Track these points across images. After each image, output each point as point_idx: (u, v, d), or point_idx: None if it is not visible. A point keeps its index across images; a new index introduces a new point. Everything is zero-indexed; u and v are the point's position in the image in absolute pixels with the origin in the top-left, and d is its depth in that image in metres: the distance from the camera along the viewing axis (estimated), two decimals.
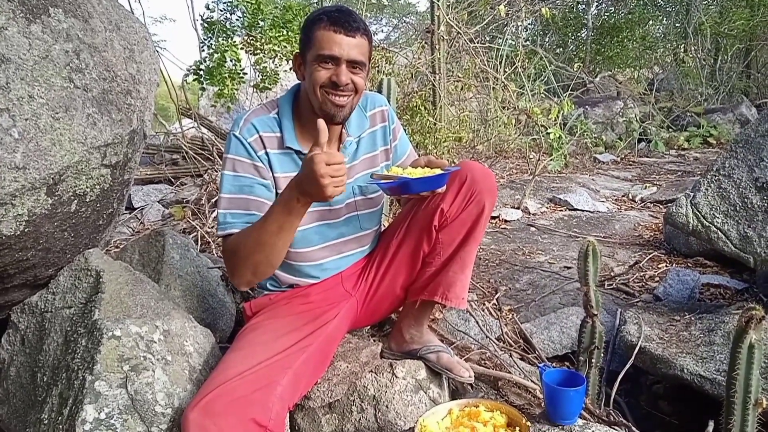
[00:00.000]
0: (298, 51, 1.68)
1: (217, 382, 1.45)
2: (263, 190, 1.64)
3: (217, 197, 1.72)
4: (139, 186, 4.45)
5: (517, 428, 1.48)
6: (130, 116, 1.88)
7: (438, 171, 1.60)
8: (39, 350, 1.78)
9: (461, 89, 4.88)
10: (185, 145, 4.79)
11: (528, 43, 7.44)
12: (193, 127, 5.09)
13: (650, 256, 3.39)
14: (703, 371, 1.93)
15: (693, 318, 2.31)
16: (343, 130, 1.78)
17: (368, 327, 2.26)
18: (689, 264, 3.26)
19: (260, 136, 1.65)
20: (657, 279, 3.10)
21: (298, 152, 1.69)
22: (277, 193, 1.67)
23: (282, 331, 1.66)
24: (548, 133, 4.52)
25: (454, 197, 1.73)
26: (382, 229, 2.06)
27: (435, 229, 1.77)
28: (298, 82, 1.76)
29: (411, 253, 1.84)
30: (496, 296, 2.88)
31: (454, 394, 1.97)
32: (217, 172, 4.38)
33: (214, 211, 3.45)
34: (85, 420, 1.43)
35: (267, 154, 1.65)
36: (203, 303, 2.20)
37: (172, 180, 4.63)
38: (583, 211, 4.46)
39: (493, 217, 4.30)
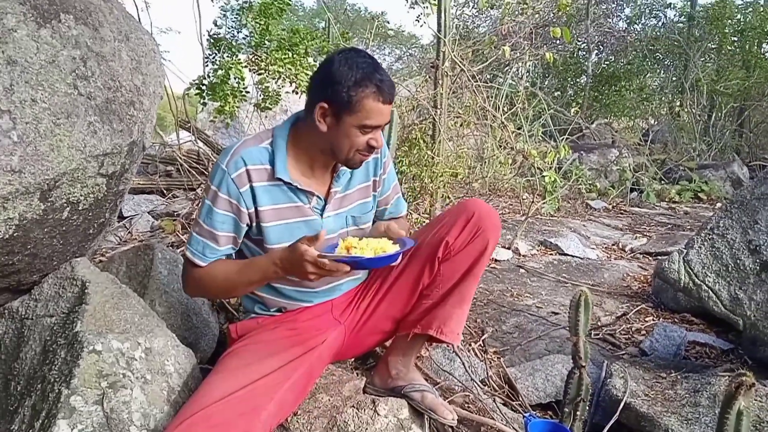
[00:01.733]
0: (325, 100, 1.61)
1: (199, 405, 1.42)
2: (234, 227, 1.68)
3: (195, 217, 1.73)
4: (130, 195, 4.40)
5: None
6: (132, 127, 1.87)
7: (390, 247, 1.58)
8: (15, 357, 1.73)
9: (460, 125, 4.91)
10: (180, 158, 4.75)
11: (528, 84, 7.54)
12: (190, 141, 5.07)
13: (638, 308, 3.38)
14: None
15: (679, 377, 2.30)
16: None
17: (352, 359, 2.23)
18: (676, 320, 3.25)
19: (247, 170, 1.64)
20: (644, 332, 3.08)
21: (288, 184, 1.68)
22: (258, 225, 1.69)
23: (266, 354, 1.63)
24: (543, 176, 4.54)
25: (460, 231, 1.75)
26: None
27: (438, 261, 1.78)
28: (297, 112, 1.76)
29: (411, 283, 1.83)
30: (483, 337, 2.85)
31: None
32: None
33: None
34: None
35: (252, 188, 1.65)
36: (187, 321, 2.16)
37: (165, 192, 4.58)
38: (573, 256, 4.46)
39: None
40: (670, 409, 2.05)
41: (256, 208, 1.67)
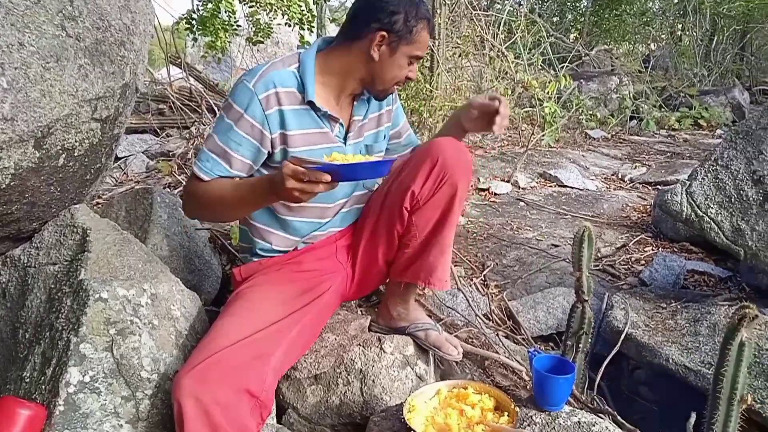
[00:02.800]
0: (384, 29, 1.61)
1: (211, 349, 1.43)
2: (252, 152, 1.63)
3: (208, 132, 1.70)
4: (124, 135, 4.33)
5: (506, 413, 1.48)
6: (123, 69, 1.80)
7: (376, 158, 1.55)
8: (21, 306, 1.73)
9: (459, 56, 4.79)
10: (172, 95, 4.66)
11: (527, 11, 7.31)
12: (181, 77, 4.96)
13: (637, 238, 3.40)
14: (689, 362, 1.95)
15: (679, 306, 2.33)
16: None
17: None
18: (675, 249, 3.27)
19: (276, 92, 1.61)
20: (643, 262, 3.11)
21: (317, 109, 1.66)
22: (284, 150, 1.65)
23: (276, 299, 1.64)
24: (543, 107, 4.46)
25: (425, 179, 1.68)
26: None
27: (407, 211, 1.74)
28: (320, 38, 1.76)
29: (386, 233, 1.81)
30: (484, 272, 2.88)
31: (441, 372, 1.97)
32: (204, 125, 4.28)
33: None
34: (69, 382, 1.41)
35: (281, 111, 1.62)
36: (189, 264, 2.17)
37: (158, 131, 4.51)
38: (572, 188, 4.45)
39: (483, 190, 4.28)
40: (671, 338, 2.09)
41: (283, 133, 1.63)
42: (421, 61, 1.82)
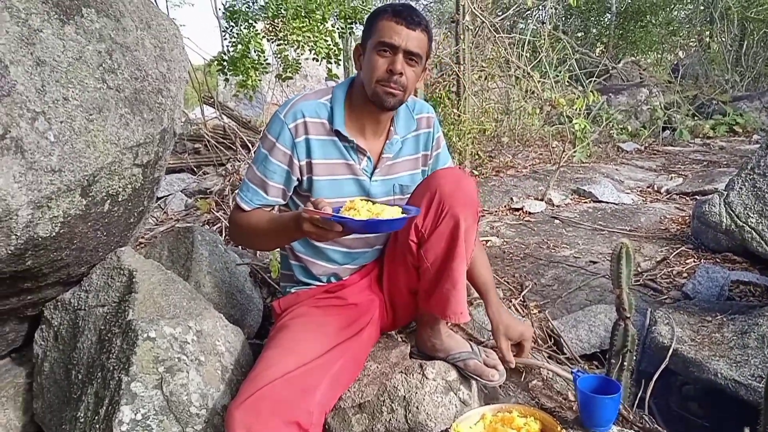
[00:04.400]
0: (359, 42, 1.74)
1: (260, 382, 1.46)
2: (284, 179, 1.73)
3: (249, 164, 1.78)
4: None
5: None
6: (161, 115, 1.88)
7: (397, 213, 1.51)
8: (73, 347, 1.80)
9: (485, 79, 4.82)
10: (207, 134, 4.79)
11: (551, 28, 7.33)
12: (215, 116, 5.09)
13: (678, 251, 3.34)
14: (738, 376, 1.91)
15: (725, 319, 2.28)
16: (392, 127, 1.79)
17: None
18: (718, 260, 3.20)
19: (305, 122, 1.69)
20: (685, 275, 3.06)
21: (344, 138, 1.72)
22: (309, 179, 1.73)
23: (318, 333, 1.66)
24: (573, 124, 4.45)
25: (426, 212, 1.67)
26: None
27: (414, 244, 1.73)
28: (354, 74, 1.80)
29: (402, 265, 1.82)
30: (523, 293, 2.86)
31: (484, 395, 1.96)
32: (239, 161, 4.38)
33: None
34: (122, 421, 1.45)
35: (308, 140, 1.70)
36: (231, 299, 2.21)
37: (195, 169, 4.64)
38: (607, 203, 4.40)
39: (517, 209, 4.27)
40: (718, 352, 2.05)
41: (309, 161, 1.71)
42: (427, 66, 1.81)
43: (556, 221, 4.05)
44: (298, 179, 1.74)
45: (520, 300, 2.78)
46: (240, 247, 2.71)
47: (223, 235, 3.14)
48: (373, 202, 1.61)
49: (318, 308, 1.77)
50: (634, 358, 1.95)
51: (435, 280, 1.75)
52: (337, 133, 1.71)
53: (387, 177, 1.82)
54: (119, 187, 1.79)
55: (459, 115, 4.10)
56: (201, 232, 2.29)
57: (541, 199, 4.40)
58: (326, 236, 1.46)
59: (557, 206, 4.37)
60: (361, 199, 1.53)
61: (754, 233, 2.26)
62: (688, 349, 2.08)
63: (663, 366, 2.07)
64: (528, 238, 3.74)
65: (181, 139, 4.93)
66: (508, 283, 3.01)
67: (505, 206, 4.35)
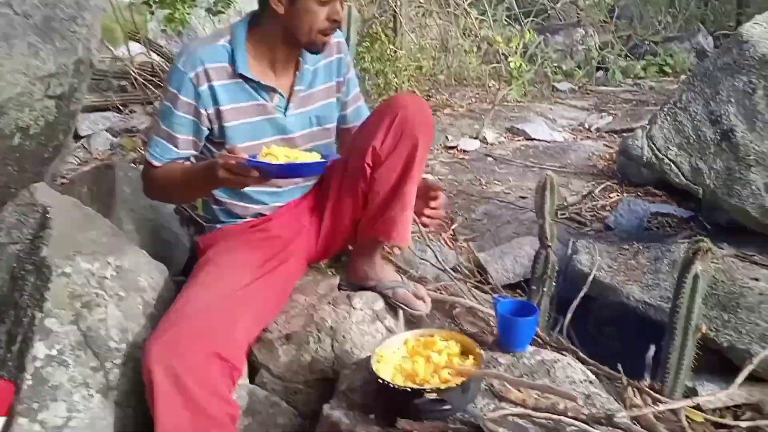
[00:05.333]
0: None
1: (179, 316, 1.45)
2: (193, 130, 1.66)
3: (154, 119, 1.72)
4: (86, 114, 4.24)
5: (471, 356, 1.52)
6: (76, 45, 1.79)
7: (317, 158, 1.53)
8: None
9: (422, 15, 4.75)
10: (134, 71, 4.57)
11: None
12: (142, 53, 4.86)
13: (603, 185, 3.47)
14: (648, 298, 2.02)
15: (641, 247, 2.39)
16: (300, 58, 1.73)
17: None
18: (640, 193, 3.34)
19: (205, 69, 1.62)
20: (609, 208, 3.18)
21: (250, 80, 1.65)
22: (221, 126, 1.66)
23: (243, 266, 1.65)
24: (509, 62, 4.47)
25: (386, 134, 1.68)
26: None
27: (369, 167, 1.73)
28: (252, 11, 1.70)
29: (352, 191, 1.81)
30: (453, 227, 2.92)
31: (410, 324, 2.01)
32: None
33: None
34: (36, 356, 1.42)
35: (211, 87, 1.63)
36: (157, 237, 2.17)
37: (121, 108, 4.44)
38: (540, 141, 4.49)
39: (451, 148, 4.31)
40: (632, 277, 2.16)
41: (217, 108, 1.65)
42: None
43: (490, 159, 4.11)
44: (208, 128, 1.68)
45: (450, 234, 2.83)
46: None
47: None
48: (291, 147, 1.62)
49: (242, 242, 1.75)
50: (554, 284, 2.03)
51: (385, 204, 1.76)
52: (242, 76, 1.65)
53: (302, 110, 1.78)
54: (30, 119, 1.71)
55: (395, 52, 4.05)
56: (123, 168, 2.22)
57: (476, 138, 4.44)
58: (244, 183, 1.45)
59: (491, 144, 4.43)
60: (283, 147, 1.53)
61: (672, 165, 2.36)
62: (605, 275, 2.19)
63: (582, 292, 2.17)
64: (461, 175, 3.79)
65: (106, 76, 4.70)
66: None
67: (440, 144, 4.37)
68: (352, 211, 1.86)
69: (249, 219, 1.84)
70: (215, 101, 1.64)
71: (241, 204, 1.81)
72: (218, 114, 1.66)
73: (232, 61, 1.64)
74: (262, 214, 1.84)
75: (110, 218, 2.06)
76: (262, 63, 1.68)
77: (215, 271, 1.64)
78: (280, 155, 1.49)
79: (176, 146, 1.67)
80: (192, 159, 1.75)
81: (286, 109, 1.74)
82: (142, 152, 3.36)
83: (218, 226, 1.84)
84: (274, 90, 1.70)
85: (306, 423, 1.77)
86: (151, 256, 1.81)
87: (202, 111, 1.64)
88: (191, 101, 1.63)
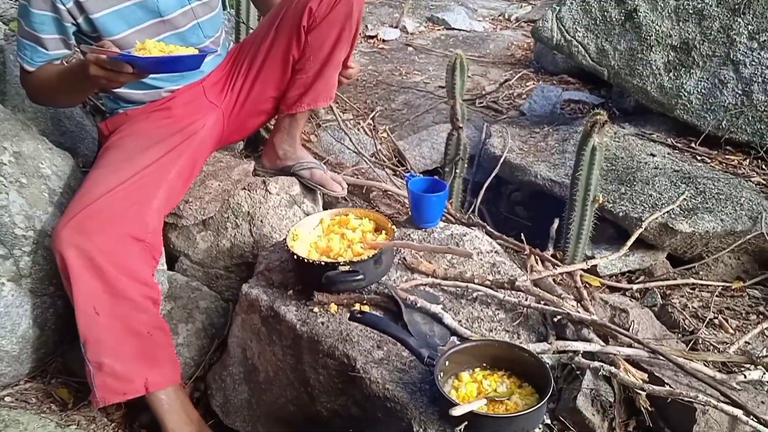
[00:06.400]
0: None
1: (87, 200, 1.42)
2: (57, 28, 1.55)
3: (17, 19, 1.59)
4: None
5: (384, 232, 1.57)
6: None
7: (190, 51, 1.48)
8: None
9: None
10: None
11: None
12: None
13: (520, 74, 3.51)
14: (554, 176, 2.12)
15: (551, 130, 2.48)
16: None
17: (241, 147, 2.24)
18: (554, 81, 3.41)
19: None
20: (524, 96, 3.24)
21: None
22: (87, 19, 1.55)
23: (148, 144, 1.61)
24: None
25: None
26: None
27: (304, 30, 1.69)
28: None
29: (280, 58, 1.76)
30: (372, 115, 2.91)
31: (328, 209, 2.04)
32: None
33: None
34: None
35: None
36: (59, 126, 2.07)
37: None
38: (460, 30, 4.44)
39: (371, 37, 4.21)
40: (541, 158, 2.24)
41: (77, 1, 1.52)
42: None
43: (409, 49, 4.06)
44: (72, 24, 1.55)
45: (369, 123, 2.83)
46: None
47: None
48: (172, 30, 1.59)
49: (145, 124, 1.69)
50: (466, 166, 2.09)
51: (317, 73, 1.75)
52: None
53: None
54: None
55: None
56: (14, 52, 2.05)
57: (396, 27, 4.35)
58: (117, 79, 1.38)
59: (411, 34, 4.36)
60: (158, 42, 1.46)
61: (580, 47, 2.41)
62: (515, 156, 2.26)
63: (494, 173, 2.25)
64: (381, 65, 3.74)
65: None
66: (358, 108, 3.03)
67: (360, 34, 4.26)
68: (279, 82, 1.81)
69: (151, 102, 1.76)
70: (84, 10, 1.52)
71: (140, 92, 1.72)
72: (80, 6, 1.53)
73: None
74: (163, 97, 1.77)
75: (3, 105, 1.94)
76: None
77: (120, 154, 1.59)
78: (153, 50, 1.41)
79: (44, 47, 1.55)
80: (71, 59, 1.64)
81: None
82: None
83: (120, 111, 1.75)
84: None
85: (228, 306, 1.82)
86: (57, 146, 1.74)
87: (60, 6, 1.50)
88: (59, 5, 1.49)
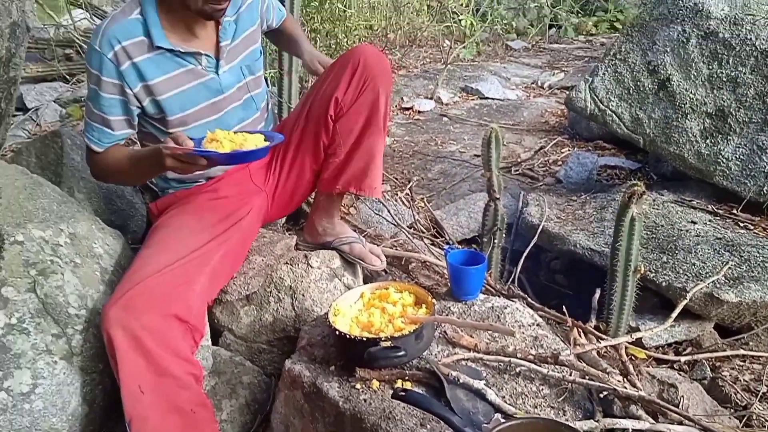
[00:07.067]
0: None
1: (135, 280, 1.47)
2: (124, 110, 1.64)
3: (85, 101, 1.69)
4: (31, 85, 4.14)
5: (424, 306, 1.58)
6: (9, 7, 1.74)
7: (260, 142, 1.54)
8: None
9: None
10: (78, 39, 4.44)
11: None
12: (85, 19, 4.71)
13: (554, 141, 3.54)
14: (593, 245, 2.10)
15: (588, 197, 2.48)
16: None
17: (283, 221, 2.30)
18: (590, 147, 3.43)
19: (123, 47, 1.58)
20: (560, 163, 3.26)
21: (171, 50, 1.63)
22: (155, 101, 1.64)
23: (196, 227, 1.67)
24: (460, 20, 4.48)
25: (348, 85, 1.72)
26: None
27: (331, 119, 1.77)
28: None
29: (312, 145, 1.84)
30: (409, 186, 2.96)
31: (368, 281, 2.06)
32: None
33: None
34: None
35: (134, 64, 1.59)
36: (111, 205, 2.16)
37: (67, 77, 4.32)
38: (493, 99, 4.54)
39: (407, 109, 4.32)
40: (579, 226, 2.24)
41: (145, 85, 1.62)
42: None
43: (445, 119, 4.15)
44: (138, 107, 1.66)
45: (407, 193, 2.88)
46: None
47: None
48: (227, 105, 1.68)
49: (194, 205, 1.76)
50: (504, 236, 2.10)
51: (348, 156, 1.80)
52: (162, 47, 1.62)
53: (233, 63, 1.76)
54: None
55: (345, 11, 4.02)
56: (71, 136, 2.18)
57: (431, 98, 4.47)
58: (191, 170, 1.47)
59: (446, 104, 4.46)
60: (227, 132, 1.54)
61: (614, 116, 2.43)
62: (554, 225, 2.26)
63: (533, 243, 2.25)
64: (417, 136, 3.82)
65: (50, 45, 4.55)
66: (396, 179, 3.09)
67: (395, 106, 4.39)
68: (313, 164, 1.88)
69: (200, 182, 1.84)
70: (141, 78, 1.61)
71: (194, 175, 1.81)
72: (148, 90, 1.63)
73: (147, 33, 1.59)
74: (212, 177, 1.85)
75: (60, 187, 2.04)
76: (178, 30, 1.64)
77: (169, 234, 1.65)
78: (224, 141, 1.50)
79: (112, 129, 1.65)
80: (133, 137, 1.75)
81: (217, 67, 1.72)
82: None
83: (170, 191, 1.84)
84: (199, 54, 1.68)
85: (271, 381, 1.83)
86: (106, 224, 1.81)
87: (128, 90, 1.61)
88: (115, 81, 1.59)
